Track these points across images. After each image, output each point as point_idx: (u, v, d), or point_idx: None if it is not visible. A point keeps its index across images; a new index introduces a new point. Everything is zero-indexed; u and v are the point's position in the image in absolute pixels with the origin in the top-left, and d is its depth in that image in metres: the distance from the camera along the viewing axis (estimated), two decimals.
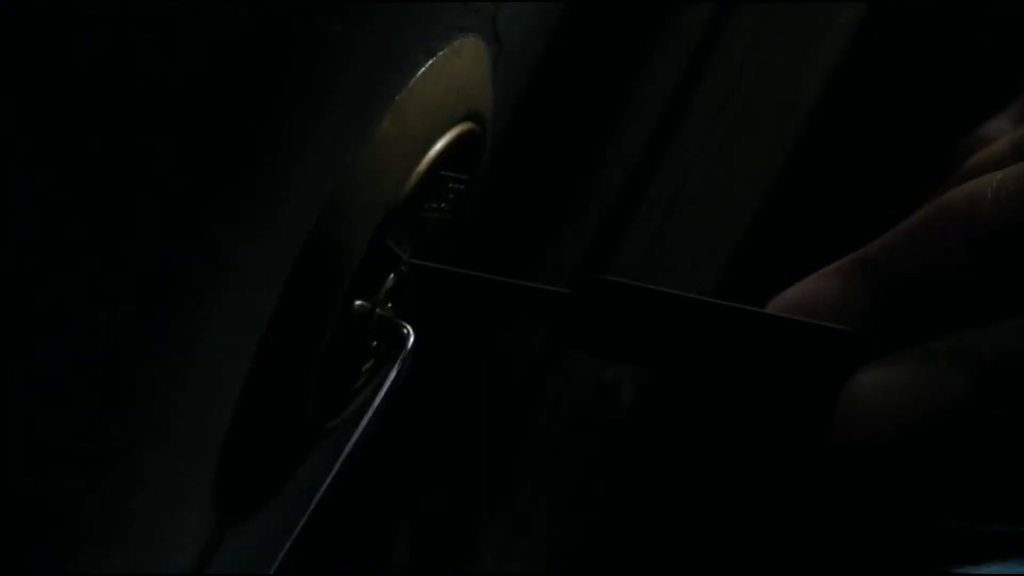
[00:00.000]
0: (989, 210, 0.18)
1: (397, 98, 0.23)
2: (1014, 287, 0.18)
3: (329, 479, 0.24)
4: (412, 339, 0.26)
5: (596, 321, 0.21)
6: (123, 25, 0.16)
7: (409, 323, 0.27)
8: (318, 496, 0.24)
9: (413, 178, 0.24)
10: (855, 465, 0.18)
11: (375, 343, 0.28)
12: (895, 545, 0.40)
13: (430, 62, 0.24)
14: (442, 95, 0.25)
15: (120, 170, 0.17)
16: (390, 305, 0.27)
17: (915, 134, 0.43)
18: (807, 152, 0.46)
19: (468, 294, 0.25)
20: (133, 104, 0.17)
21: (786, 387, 0.21)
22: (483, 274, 0.24)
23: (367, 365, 0.28)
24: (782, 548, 0.45)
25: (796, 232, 0.46)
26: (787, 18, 0.44)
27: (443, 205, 0.27)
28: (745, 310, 0.20)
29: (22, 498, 0.19)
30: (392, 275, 0.26)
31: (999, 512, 0.17)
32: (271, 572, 0.24)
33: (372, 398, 0.26)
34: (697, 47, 0.44)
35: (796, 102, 0.45)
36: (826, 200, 0.46)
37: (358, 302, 0.25)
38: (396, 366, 0.26)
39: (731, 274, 0.45)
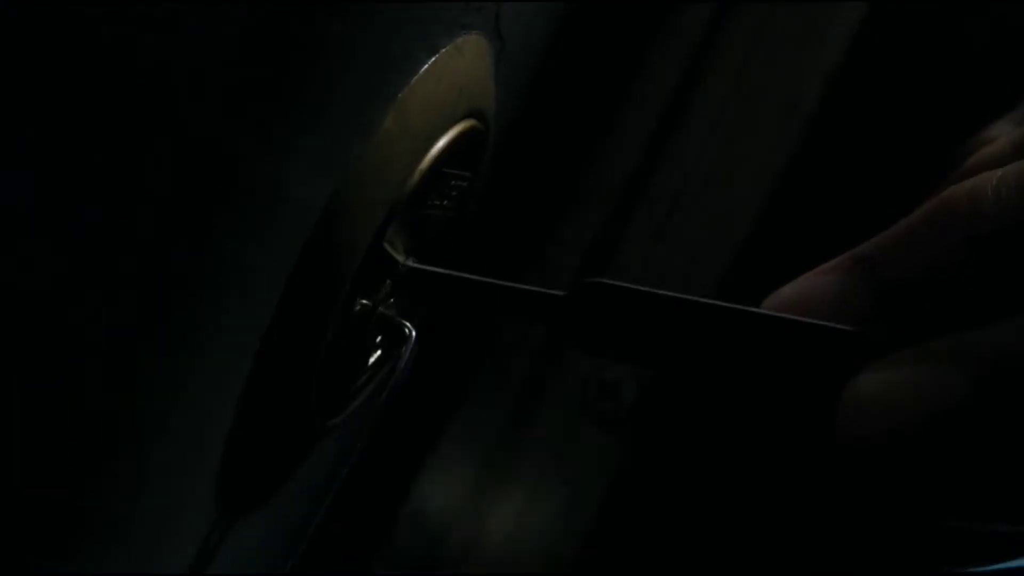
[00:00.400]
0: (990, 207, 0.18)
1: (399, 96, 0.23)
2: (1014, 286, 0.18)
3: (345, 472, 0.24)
4: (413, 338, 0.26)
5: (592, 323, 0.21)
6: (123, 25, 0.16)
7: (410, 321, 0.27)
8: (334, 489, 0.24)
9: (416, 175, 0.24)
10: (855, 465, 0.18)
11: (376, 341, 0.28)
12: (895, 546, 0.40)
13: (432, 59, 0.24)
14: (444, 92, 0.25)
15: (120, 170, 0.17)
16: (392, 301, 0.27)
17: (916, 134, 0.43)
18: (808, 152, 0.46)
19: (466, 297, 0.25)
20: (133, 104, 0.17)
21: (786, 387, 0.20)
22: (480, 277, 0.24)
23: (368, 364, 0.28)
24: (783, 548, 0.45)
25: (796, 232, 0.46)
26: (787, 18, 0.44)
27: (446, 202, 0.27)
28: (742, 310, 0.20)
29: (24, 498, 0.19)
30: (391, 279, 0.26)
31: (1000, 512, 0.17)
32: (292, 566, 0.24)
33: (373, 396, 0.26)
34: (697, 47, 0.43)
35: (796, 102, 0.45)
36: (827, 200, 0.46)
37: (360, 300, 0.25)
38: (397, 364, 0.26)
39: (732, 274, 0.45)
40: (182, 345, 0.21)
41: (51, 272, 0.17)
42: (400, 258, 0.25)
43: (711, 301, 0.20)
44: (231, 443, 0.24)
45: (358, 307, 0.25)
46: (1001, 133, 0.26)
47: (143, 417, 0.21)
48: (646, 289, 0.21)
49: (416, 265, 0.26)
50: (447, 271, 0.25)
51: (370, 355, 0.28)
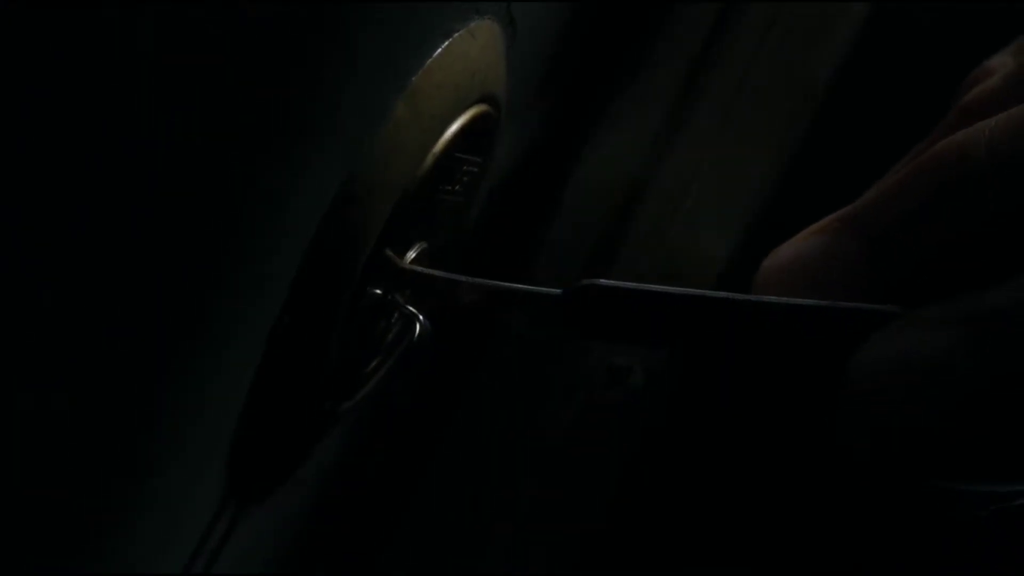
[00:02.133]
0: (982, 159, 0.17)
1: (413, 80, 0.23)
2: (1005, 245, 0.17)
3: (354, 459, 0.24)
4: (422, 325, 0.26)
5: (590, 322, 0.21)
6: (125, 21, 0.15)
7: (423, 308, 0.26)
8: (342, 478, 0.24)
9: (428, 160, 0.24)
10: (861, 433, 0.17)
11: (388, 328, 0.28)
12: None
13: (446, 44, 0.24)
14: (457, 77, 0.24)
15: (127, 162, 0.17)
16: (403, 288, 0.26)
17: (925, 128, 0.42)
18: (810, 151, 0.46)
19: (464, 298, 0.25)
20: (138, 97, 0.16)
21: (789, 367, 0.20)
22: (475, 279, 0.24)
23: (379, 350, 0.28)
24: (792, 542, 0.44)
25: (805, 225, 0.45)
26: (795, 14, 0.44)
27: (457, 188, 0.27)
28: (738, 300, 0.20)
29: (24, 498, 0.19)
30: (393, 276, 0.26)
31: (1005, 472, 0.17)
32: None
33: (385, 382, 0.26)
34: (704, 44, 0.43)
35: (803, 100, 0.45)
36: (829, 200, 0.46)
37: (371, 286, 0.25)
38: (407, 352, 0.26)
39: (737, 269, 0.45)
40: (185, 342, 0.21)
41: (52, 273, 0.17)
42: (400, 263, 0.25)
43: (708, 293, 0.20)
44: (241, 431, 0.24)
45: (369, 293, 0.25)
46: (1002, 63, 0.26)
47: (144, 416, 0.21)
48: (642, 287, 0.21)
49: (411, 267, 0.26)
50: (442, 273, 0.25)
51: (382, 341, 0.28)
